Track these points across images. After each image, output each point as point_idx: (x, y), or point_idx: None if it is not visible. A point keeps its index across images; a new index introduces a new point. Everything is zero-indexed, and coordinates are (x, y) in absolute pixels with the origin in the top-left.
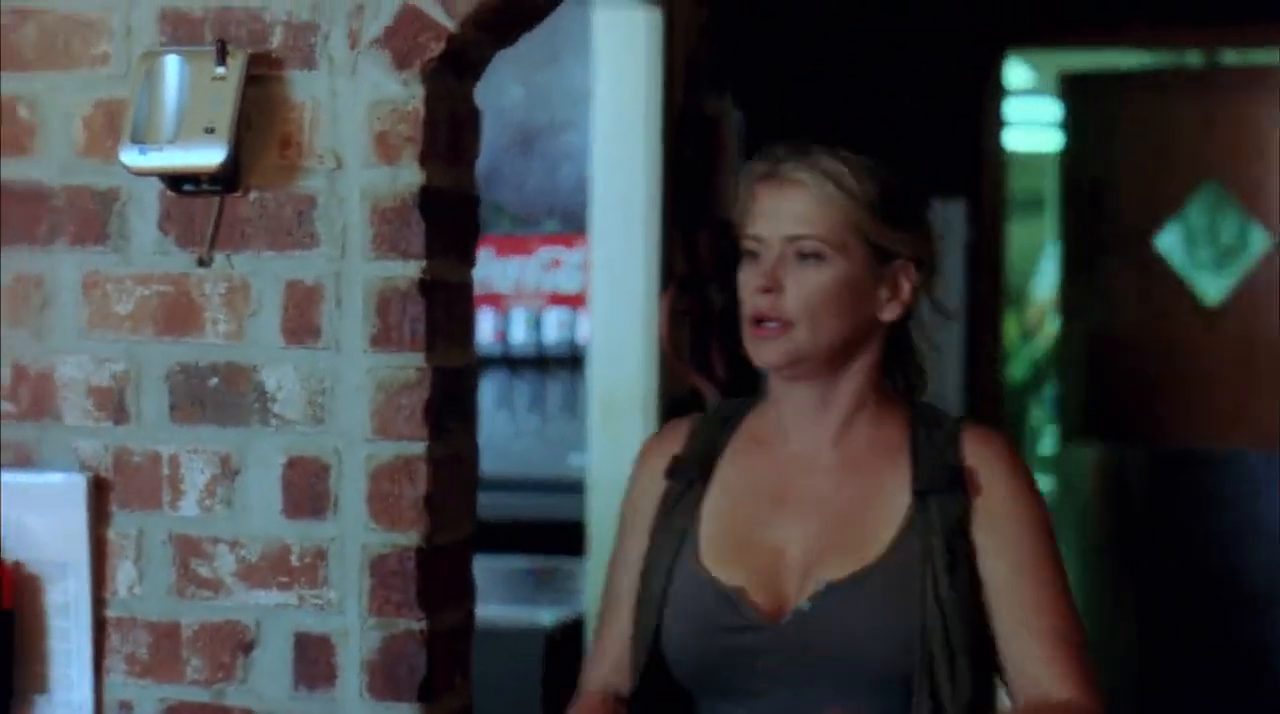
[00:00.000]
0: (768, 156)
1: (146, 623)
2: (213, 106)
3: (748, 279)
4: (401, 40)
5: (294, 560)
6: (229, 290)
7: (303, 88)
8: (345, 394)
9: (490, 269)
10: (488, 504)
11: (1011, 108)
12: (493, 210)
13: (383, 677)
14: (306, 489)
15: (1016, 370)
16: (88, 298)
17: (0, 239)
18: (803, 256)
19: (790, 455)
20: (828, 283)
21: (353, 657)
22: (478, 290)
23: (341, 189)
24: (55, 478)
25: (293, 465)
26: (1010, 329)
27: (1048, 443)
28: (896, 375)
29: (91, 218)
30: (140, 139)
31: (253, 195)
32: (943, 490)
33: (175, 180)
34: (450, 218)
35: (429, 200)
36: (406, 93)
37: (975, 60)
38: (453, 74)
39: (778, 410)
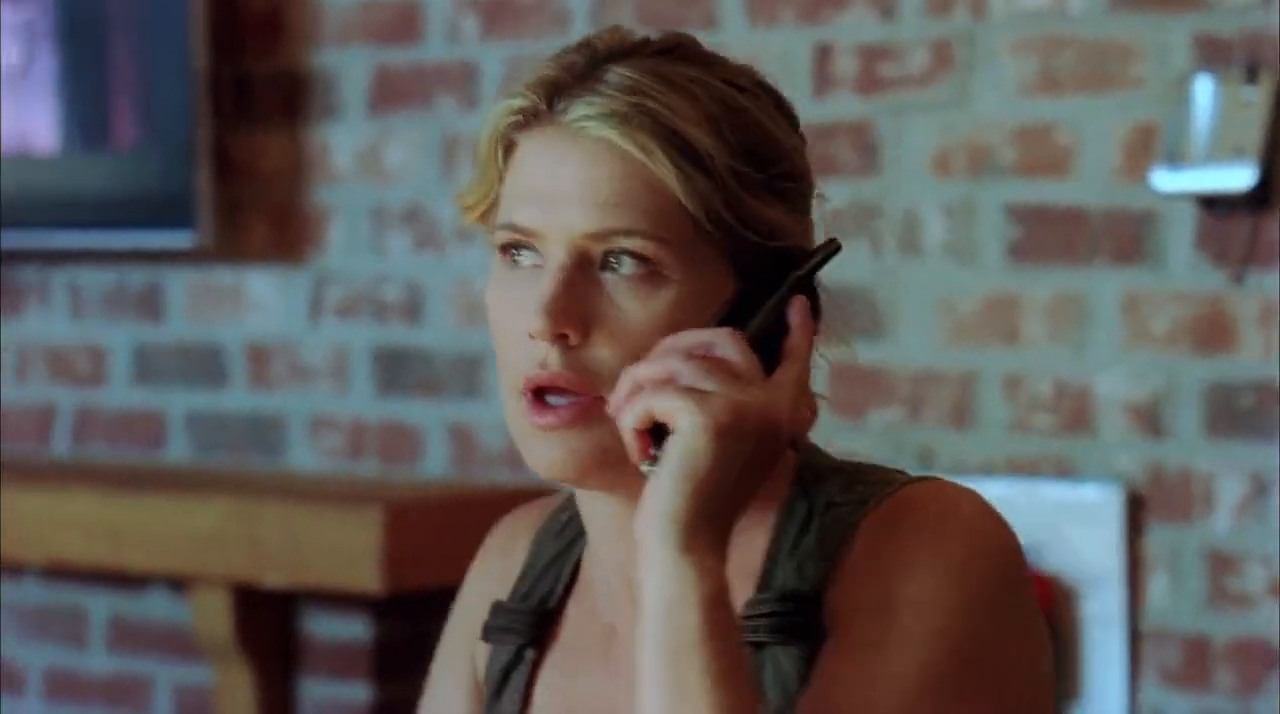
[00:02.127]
0: (535, 82)
1: (1178, 635)
2: (1243, 128)
3: (507, 302)
4: None
5: None
6: (1262, 309)
7: None
8: None
9: None
10: None
11: None
12: None
13: None
14: None
15: None
16: (1126, 316)
17: (1040, 257)
18: (618, 268)
19: (617, 601)
20: (664, 317)
21: None
22: None
23: None
24: (1092, 490)
25: None
26: None
27: None
28: None
29: (1128, 238)
30: (1172, 160)
31: None
32: (786, 639)
33: (1207, 200)
34: None
35: None
36: None
37: None
38: None
39: (591, 535)
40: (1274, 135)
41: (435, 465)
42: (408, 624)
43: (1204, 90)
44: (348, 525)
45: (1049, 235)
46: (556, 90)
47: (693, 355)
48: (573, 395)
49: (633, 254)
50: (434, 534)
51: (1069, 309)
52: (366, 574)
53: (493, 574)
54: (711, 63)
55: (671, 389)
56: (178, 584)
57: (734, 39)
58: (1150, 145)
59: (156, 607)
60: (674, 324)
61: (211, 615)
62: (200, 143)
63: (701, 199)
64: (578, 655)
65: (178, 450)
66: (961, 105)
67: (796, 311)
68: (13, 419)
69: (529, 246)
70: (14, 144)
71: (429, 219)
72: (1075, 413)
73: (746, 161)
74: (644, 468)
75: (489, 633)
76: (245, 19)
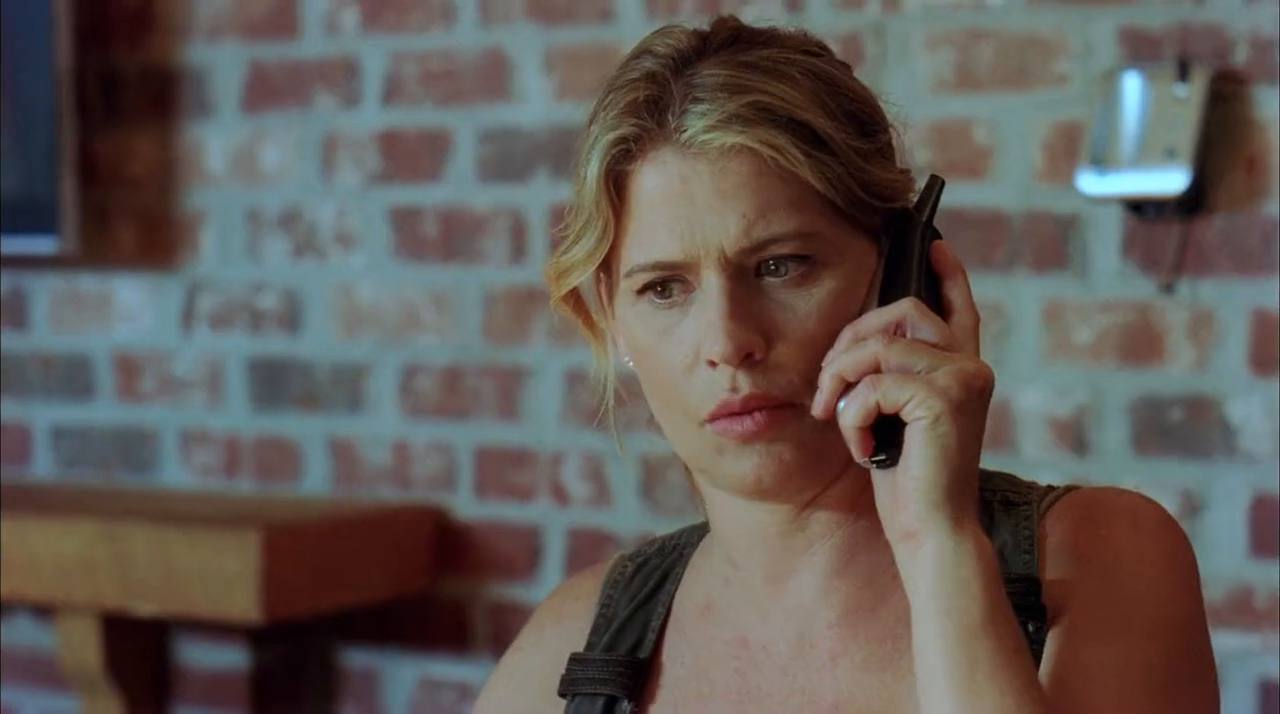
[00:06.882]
0: (628, 106)
1: None
2: (1174, 127)
3: (666, 340)
4: None
5: (1258, 603)
6: (1193, 318)
7: (1268, 106)
8: None
9: None
10: None
11: None
12: None
13: None
14: (1274, 528)
15: None
16: (1048, 326)
17: None
18: (778, 272)
19: (762, 625)
20: (831, 306)
21: None
22: None
23: None
24: None
25: (1260, 503)
26: None
27: None
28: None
29: (1051, 243)
30: (1099, 162)
31: (1217, 219)
32: (1023, 619)
33: (1136, 204)
34: None
35: None
36: None
37: None
38: None
39: (730, 552)
40: (1207, 136)
41: (315, 483)
42: (286, 652)
43: (1132, 88)
44: (224, 550)
45: (966, 240)
46: (659, 109)
47: (891, 336)
48: (759, 411)
49: (791, 257)
50: (315, 558)
51: (987, 319)
52: (244, 602)
53: (549, 637)
54: (778, 39)
55: (892, 378)
56: (43, 611)
57: (631, 33)
58: (1075, 146)
59: (21, 634)
60: (842, 309)
61: (79, 644)
62: (65, 144)
63: (833, 182)
64: (689, 694)
65: (43, 467)
66: None
67: (944, 256)
68: None
69: (676, 279)
70: None
71: (307, 223)
72: (995, 429)
73: (856, 131)
74: (863, 463)
75: (571, 687)
76: (112, 13)
